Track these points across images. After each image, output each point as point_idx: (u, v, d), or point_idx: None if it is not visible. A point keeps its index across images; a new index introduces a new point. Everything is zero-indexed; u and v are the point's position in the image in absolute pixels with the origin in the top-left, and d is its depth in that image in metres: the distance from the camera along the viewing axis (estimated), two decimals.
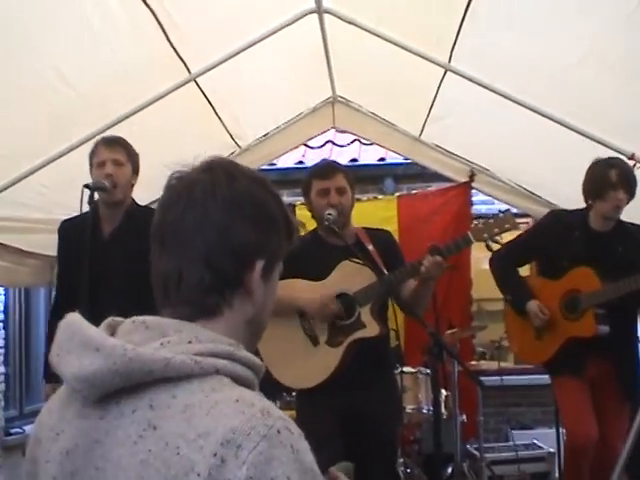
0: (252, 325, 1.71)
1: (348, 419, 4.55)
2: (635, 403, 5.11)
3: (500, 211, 4.58)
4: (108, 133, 5.13)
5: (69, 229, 4.94)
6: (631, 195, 5.03)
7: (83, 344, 1.51)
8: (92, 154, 4.79)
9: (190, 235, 1.61)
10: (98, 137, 5.01)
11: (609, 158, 5.06)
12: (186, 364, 1.47)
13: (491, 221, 4.54)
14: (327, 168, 4.87)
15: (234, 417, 1.40)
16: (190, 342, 1.53)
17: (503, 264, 5.50)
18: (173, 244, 1.63)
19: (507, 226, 4.52)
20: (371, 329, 4.58)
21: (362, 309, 4.58)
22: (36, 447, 1.63)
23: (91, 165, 4.78)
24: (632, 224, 5.21)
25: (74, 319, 1.59)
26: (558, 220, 5.39)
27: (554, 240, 5.25)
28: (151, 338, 1.54)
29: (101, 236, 4.74)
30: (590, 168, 5.12)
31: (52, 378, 4.67)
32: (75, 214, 4.78)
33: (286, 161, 9.38)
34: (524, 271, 5.84)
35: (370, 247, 4.74)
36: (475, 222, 4.65)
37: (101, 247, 4.63)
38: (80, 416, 1.55)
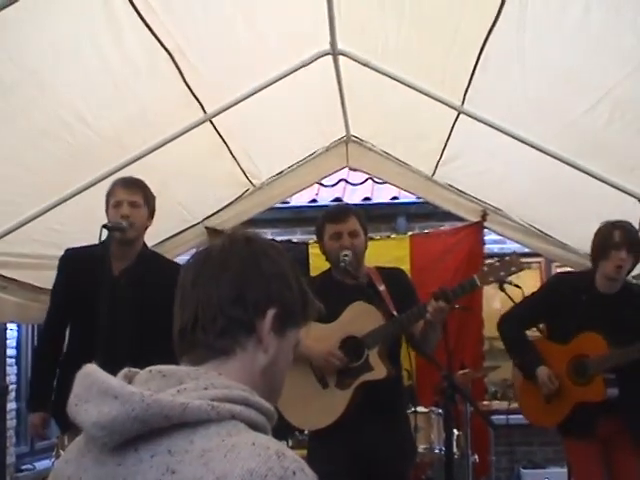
0: (266, 376, 1.75)
1: (359, 459, 4.57)
2: None
3: (505, 254, 4.58)
4: (124, 172, 5.18)
5: (74, 259, 4.97)
6: (635, 257, 5.04)
7: (102, 392, 1.54)
8: (109, 194, 4.83)
9: (207, 284, 1.71)
10: (115, 176, 5.06)
11: (616, 220, 5.05)
12: (203, 409, 1.51)
13: (497, 264, 4.55)
14: (340, 212, 4.90)
15: (251, 460, 1.43)
16: (206, 388, 1.58)
17: (511, 327, 5.47)
18: (192, 294, 1.72)
19: (513, 269, 4.54)
20: (379, 372, 4.60)
21: (370, 351, 4.61)
22: None
23: (107, 204, 4.82)
24: (637, 285, 5.21)
25: (92, 369, 1.62)
26: (564, 283, 5.39)
27: (561, 304, 5.24)
28: (168, 386, 1.58)
29: (111, 273, 4.75)
30: (597, 230, 5.12)
31: (65, 428, 4.70)
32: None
33: (299, 199, 9.42)
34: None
35: (382, 287, 4.77)
36: (485, 264, 4.64)
37: (111, 284, 4.64)
38: (98, 464, 1.57)
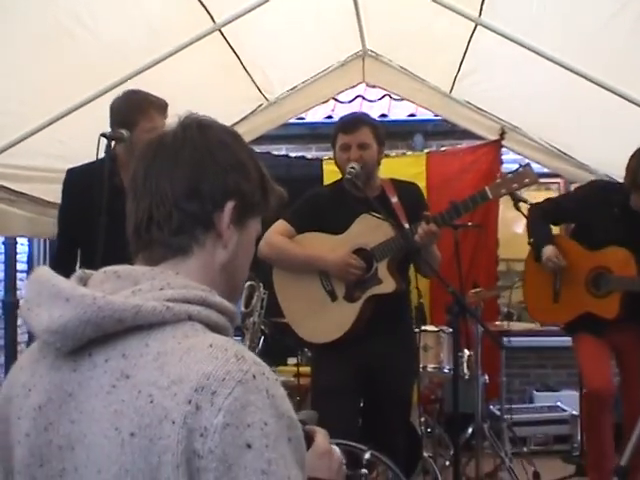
0: (226, 272, 1.67)
1: (364, 372, 4.55)
2: None
3: (520, 165, 4.44)
4: (129, 84, 5.05)
5: (77, 179, 4.75)
6: None
7: (53, 295, 1.47)
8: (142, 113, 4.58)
9: (160, 178, 1.61)
10: (121, 88, 4.93)
11: None
12: (157, 311, 1.44)
13: (510, 176, 4.42)
14: (351, 122, 4.78)
15: (208, 363, 1.37)
16: (162, 289, 1.50)
17: (539, 214, 5.42)
18: (144, 188, 1.62)
19: (526, 181, 4.39)
20: (387, 285, 4.53)
21: (379, 264, 4.53)
22: (7, 406, 1.59)
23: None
24: None
25: (42, 272, 1.56)
26: (599, 192, 5.27)
27: (592, 212, 5.14)
28: (123, 287, 1.51)
29: (121, 184, 4.61)
30: (631, 156, 4.96)
31: None
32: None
33: (315, 115, 9.28)
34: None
35: (394, 199, 4.69)
36: (498, 176, 4.50)
37: (120, 195, 4.49)
38: (52, 370, 1.52)
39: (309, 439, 1.75)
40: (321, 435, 1.80)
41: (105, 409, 1.41)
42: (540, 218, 5.41)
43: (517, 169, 4.44)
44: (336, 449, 1.82)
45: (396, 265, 4.59)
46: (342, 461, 1.82)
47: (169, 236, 1.59)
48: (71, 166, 4.83)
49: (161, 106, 4.56)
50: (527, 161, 7.81)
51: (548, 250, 5.23)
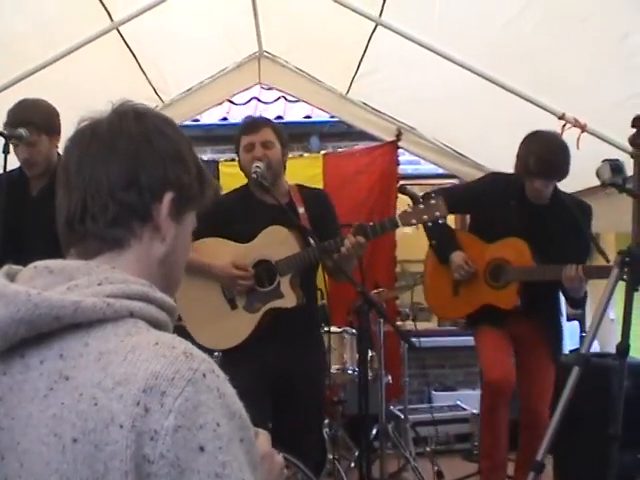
0: (164, 266, 1.60)
1: (271, 377, 4.49)
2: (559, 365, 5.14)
3: (432, 195, 4.43)
4: (26, 82, 4.93)
5: None
6: (555, 180, 4.94)
7: None
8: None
9: (94, 168, 1.53)
10: (17, 87, 4.81)
11: (534, 137, 4.92)
12: (98, 307, 1.37)
13: (422, 207, 4.35)
14: (252, 122, 4.74)
15: (155, 361, 1.30)
16: (100, 284, 1.42)
17: None
18: (77, 179, 1.54)
19: (437, 213, 4.35)
20: (289, 300, 4.50)
21: (282, 279, 4.50)
22: None
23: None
24: (572, 196, 5.16)
25: None
26: (496, 184, 5.28)
27: (490, 203, 5.16)
28: (56, 283, 1.42)
29: (29, 194, 4.48)
30: (519, 145, 4.99)
31: None
32: None
33: (210, 117, 9.21)
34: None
35: (301, 210, 4.65)
36: (410, 205, 4.50)
37: (29, 205, 4.36)
38: None
39: None
40: (263, 437, 1.74)
41: (42, 414, 1.32)
42: None
43: (430, 200, 4.36)
44: (275, 452, 1.76)
45: (299, 280, 4.58)
46: (282, 465, 1.76)
47: (105, 228, 1.51)
48: None
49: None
50: (422, 162, 7.96)
51: (457, 257, 5.27)
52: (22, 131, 4.26)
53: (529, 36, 4.61)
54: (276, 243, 4.51)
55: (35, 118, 4.39)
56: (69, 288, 1.40)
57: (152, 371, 1.28)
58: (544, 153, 4.81)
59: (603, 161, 3.89)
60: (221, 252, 4.57)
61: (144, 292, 1.45)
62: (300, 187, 4.82)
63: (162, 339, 1.36)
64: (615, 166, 3.85)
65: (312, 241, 4.43)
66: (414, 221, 4.36)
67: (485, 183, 5.45)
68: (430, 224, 5.04)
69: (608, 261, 4.67)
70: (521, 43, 4.73)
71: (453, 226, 6.14)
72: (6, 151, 4.20)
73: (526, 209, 5.08)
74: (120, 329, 1.37)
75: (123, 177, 1.52)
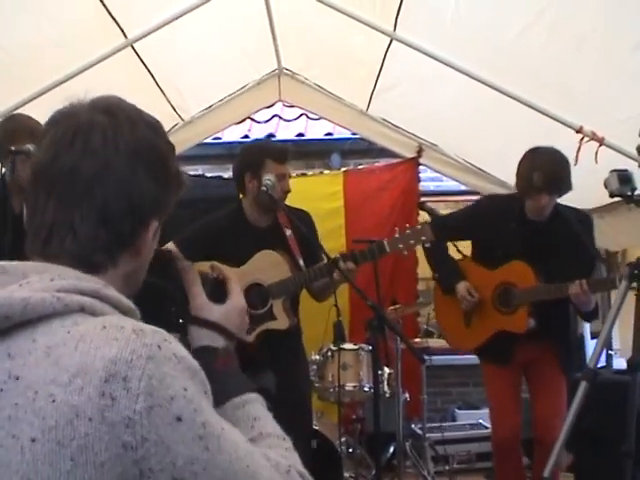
0: (129, 279, 1.56)
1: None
2: (571, 379, 5.05)
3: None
4: (39, 101, 4.94)
5: None
6: (561, 194, 4.89)
7: None
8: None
9: (88, 186, 1.45)
10: (34, 104, 4.81)
11: (536, 153, 4.89)
12: (48, 302, 1.32)
13: (409, 232, 4.51)
14: (285, 151, 4.85)
15: (108, 347, 1.27)
16: (52, 280, 1.37)
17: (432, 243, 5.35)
18: (67, 193, 1.45)
19: (423, 238, 4.52)
20: (281, 322, 4.69)
21: (274, 301, 4.66)
22: None
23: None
24: (570, 208, 5.09)
25: None
26: (494, 207, 5.25)
27: (489, 229, 5.13)
28: (9, 282, 1.37)
29: (12, 211, 4.41)
30: (519, 163, 4.96)
31: None
32: None
33: (231, 135, 9.22)
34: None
35: (288, 232, 4.79)
36: (398, 230, 4.55)
37: (10, 223, 4.30)
38: None
39: (223, 286, 1.75)
40: (237, 286, 1.77)
41: None
42: (437, 245, 5.34)
43: (416, 226, 4.56)
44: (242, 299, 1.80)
45: (289, 302, 4.76)
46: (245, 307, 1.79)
47: (87, 252, 1.47)
48: None
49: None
50: (444, 179, 7.92)
51: (461, 288, 5.24)
52: (30, 147, 4.23)
53: (542, 48, 4.57)
54: (269, 267, 4.67)
55: (37, 133, 4.35)
56: (21, 285, 1.36)
57: (109, 357, 1.25)
58: (549, 167, 4.77)
59: (611, 171, 3.83)
60: None
61: (96, 289, 1.40)
62: (287, 208, 4.87)
63: (108, 321, 1.33)
64: (623, 176, 3.79)
65: (302, 265, 4.62)
66: (401, 246, 4.50)
67: (481, 207, 5.42)
68: (432, 257, 5.12)
69: (608, 271, 4.65)
70: (534, 55, 4.69)
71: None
72: (14, 169, 4.15)
73: (527, 229, 5.04)
74: (67, 321, 1.32)
75: (120, 204, 1.47)
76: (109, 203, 1.46)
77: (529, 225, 5.03)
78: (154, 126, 1.59)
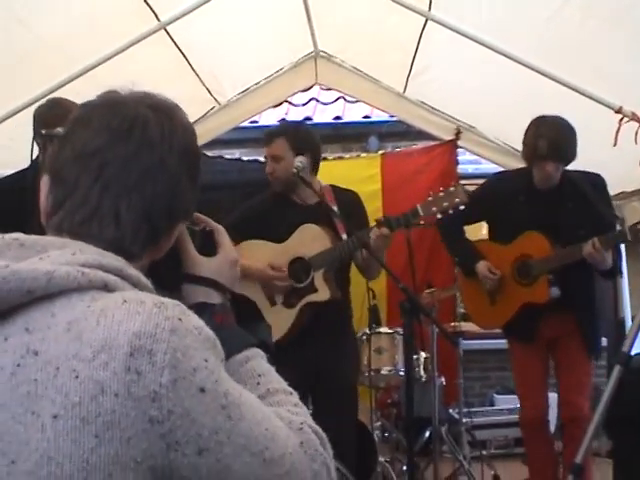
0: None
1: (307, 377, 4.57)
2: (597, 357, 5.20)
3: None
4: (73, 85, 4.94)
5: (5, 189, 4.41)
6: (566, 162, 4.85)
7: None
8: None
9: (141, 178, 1.45)
10: (64, 90, 4.81)
11: (541, 121, 4.84)
12: (72, 276, 1.30)
13: (441, 194, 4.49)
14: (266, 134, 4.94)
15: (131, 321, 1.26)
16: (74, 254, 1.35)
17: (449, 226, 5.37)
18: (118, 181, 1.44)
19: (457, 200, 4.47)
20: (322, 294, 4.68)
21: (315, 274, 4.67)
22: None
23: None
24: (580, 172, 5.03)
25: None
26: (502, 184, 5.27)
27: (499, 205, 5.12)
28: (28, 256, 1.35)
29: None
30: (525, 131, 4.93)
31: None
32: None
33: (268, 118, 9.24)
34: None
35: (335, 208, 4.78)
36: (431, 194, 4.53)
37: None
38: None
39: (211, 238, 1.72)
40: (225, 237, 1.74)
41: (13, 392, 1.25)
42: (451, 231, 5.41)
43: (448, 187, 4.51)
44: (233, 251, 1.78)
45: (333, 274, 4.73)
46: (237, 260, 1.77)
47: (127, 242, 1.45)
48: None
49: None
50: (482, 161, 7.84)
51: (481, 268, 5.21)
52: (61, 130, 4.20)
53: (578, 27, 4.51)
54: (309, 240, 4.70)
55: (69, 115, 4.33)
56: (41, 259, 1.33)
57: (132, 332, 1.25)
58: (553, 135, 4.73)
59: None
60: (259, 253, 4.76)
61: (119, 267, 1.39)
62: (333, 188, 4.96)
63: (128, 296, 1.32)
64: None
65: (344, 236, 4.59)
66: (435, 209, 4.50)
67: (490, 186, 5.40)
68: (449, 242, 5.09)
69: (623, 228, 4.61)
70: (570, 34, 4.62)
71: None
72: (46, 152, 4.14)
73: (536, 200, 5.00)
74: (85, 296, 1.31)
75: (164, 202, 1.48)
76: (156, 199, 1.46)
77: (538, 195, 5.00)
78: (193, 130, 1.60)
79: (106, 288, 1.34)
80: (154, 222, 1.47)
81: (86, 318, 1.27)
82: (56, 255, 1.34)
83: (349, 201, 4.91)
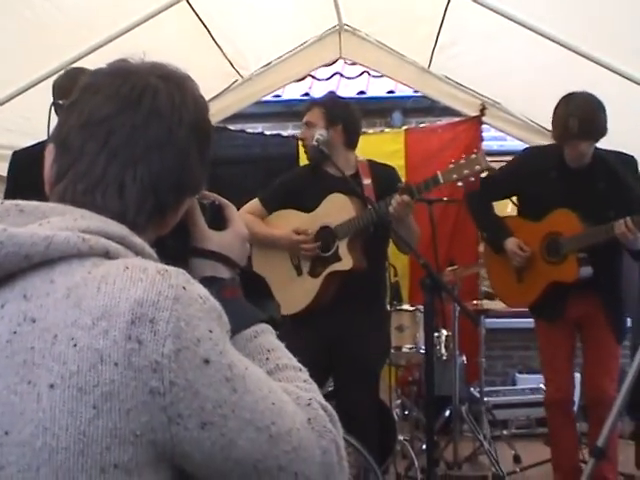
0: None
1: (330, 348, 4.67)
2: (622, 341, 5.10)
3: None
4: (94, 56, 4.91)
5: (24, 163, 4.46)
6: (598, 138, 4.76)
7: None
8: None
9: (148, 148, 1.40)
10: (84, 61, 4.78)
11: (571, 99, 4.74)
12: (72, 242, 1.26)
13: (462, 162, 4.44)
14: (306, 103, 5.11)
15: (133, 288, 1.22)
16: (75, 220, 1.31)
17: (478, 201, 5.31)
18: (125, 150, 1.40)
19: (477, 167, 4.43)
20: (346, 262, 4.66)
21: (340, 242, 4.67)
22: None
23: None
24: (613, 151, 4.96)
25: None
26: (534, 159, 5.18)
27: (530, 181, 5.03)
28: (28, 222, 1.31)
29: None
30: (554, 109, 4.83)
31: None
32: None
33: (292, 93, 9.20)
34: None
35: (367, 181, 4.77)
36: (452, 161, 4.48)
37: None
38: None
39: (221, 212, 1.68)
40: (235, 212, 1.70)
41: (9, 360, 1.22)
42: (480, 206, 5.34)
43: (469, 155, 4.47)
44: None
45: (359, 243, 4.71)
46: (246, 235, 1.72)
47: (131, 213, 1.40)
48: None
49: None
50: (508, 138, 7.76)
51: (510, 244, 5.14)
52: None
53: (608, 3, 4.40)
54: (336, 209, 4.70)
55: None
56: (41, 225, 1.29)
57: (134, 299, 1.21)
58: (585, 114, 4.65)
59: None
60: (289, 222, 4.84)
61: (123, 235, 1.35)
62: (370, 162, 4.95)
63: (130, 263, 1.28)
64: None
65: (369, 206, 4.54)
66: (455, 176, 4.44)
67: (521, 161, 5.34)
68: (478, 218, 5.02)
69: None
70: (601, 10, 4.52)
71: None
72: None
73: (568, 177, 4.92)
74: (86, 262, 1.27)
75: (172, 175, 1.43)
76: (163, 172, 1.42)
77: (569, 173, 4.93)
78: (206, 104, 1.55)
79: (107, 255, 1.30)
80: (160, 196, 1.42)
81: (86, 284, 1.23)
82: (56, 221, 1.30)
83: (387, 175, 4.89)
